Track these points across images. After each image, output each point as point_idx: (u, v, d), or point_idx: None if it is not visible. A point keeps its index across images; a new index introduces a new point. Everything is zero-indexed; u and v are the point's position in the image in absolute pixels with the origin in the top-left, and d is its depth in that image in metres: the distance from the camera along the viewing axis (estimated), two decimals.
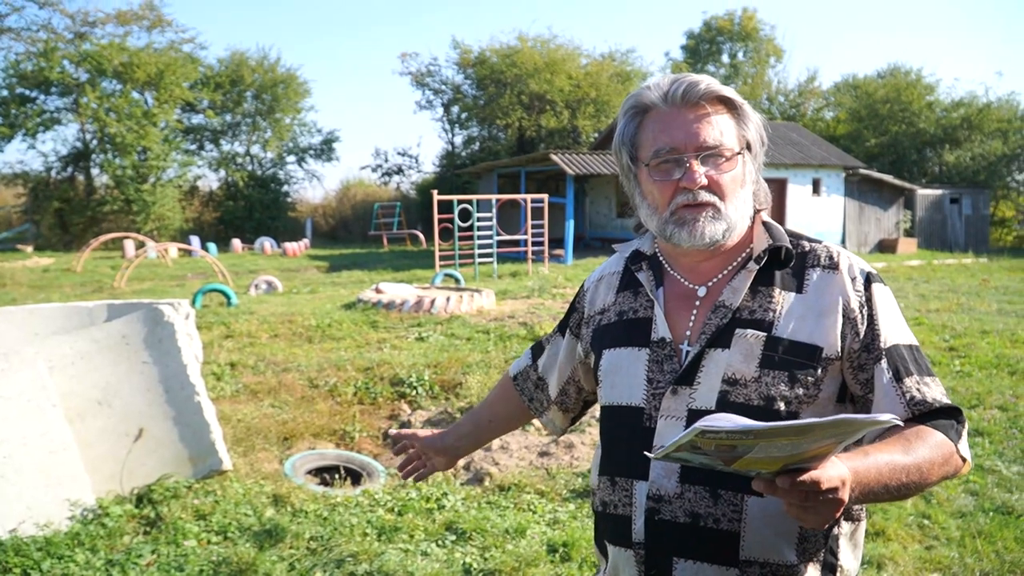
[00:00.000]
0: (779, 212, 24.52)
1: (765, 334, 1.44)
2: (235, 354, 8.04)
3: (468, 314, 10.43)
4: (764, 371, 1.42)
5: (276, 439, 5.64)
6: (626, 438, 1.51)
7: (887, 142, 34.78)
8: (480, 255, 18.06)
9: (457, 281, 14.59)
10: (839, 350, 1.44)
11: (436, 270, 16.48)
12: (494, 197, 18.14)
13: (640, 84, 1.52)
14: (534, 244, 19.34)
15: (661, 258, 1.62)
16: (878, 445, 1.36)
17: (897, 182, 26.81)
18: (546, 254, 18.99)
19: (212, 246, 26.16)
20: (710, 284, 1.54)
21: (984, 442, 5.61)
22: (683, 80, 1.45)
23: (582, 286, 1.78)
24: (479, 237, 17.82)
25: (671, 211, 1.47)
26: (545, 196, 18.58)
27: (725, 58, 44.59)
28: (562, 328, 1.82)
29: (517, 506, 4.62)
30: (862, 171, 25.94)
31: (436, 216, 16.91)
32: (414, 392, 6.74)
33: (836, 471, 1.17)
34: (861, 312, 1.46)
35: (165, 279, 18.07)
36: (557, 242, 23.78)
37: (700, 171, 1.44)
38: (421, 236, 29.94)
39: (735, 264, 1.54)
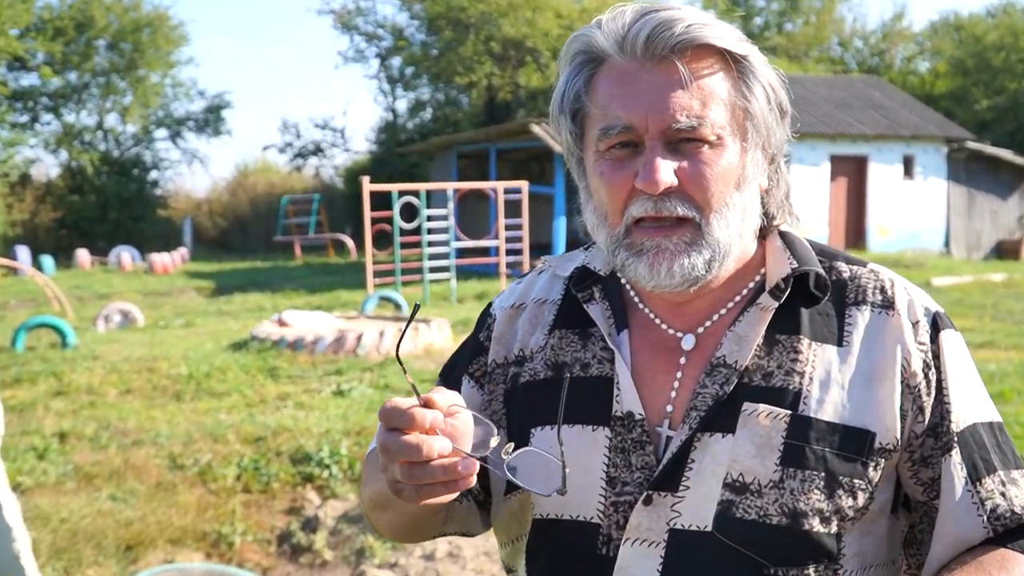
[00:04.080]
0: (858, 203, 24.65)
1: (789, 412, 1.35)
2: (67, 420, 7.96)
3: (411, 355, 10.39)
4: (788, 471, 1.33)
5: (116, 548, 5.52)
6: (569, 571, 1.41)
7: (1003, 104, 35.15)
8: (432, 269, 17.96)
9: (398, 307, 14.51)
10: (898, 436, 1.37)
11: (369, 291, 16.35)
12: (451, 186, 18.06)
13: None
14: (509, 252, 19.27)
15: (624, 282, 1.51)
16: None
17: (1020, 160, 27.10)
18: (526, 265, 18.93)
19: (48, 260, 25.90)
20: (700, 330, 1.44)
21: None
22: (649, 18, 1.32)
23: (486, 311, 1.64)
24: (430, 243, 17.73)
25: (625, 227, 1.36)
26: (524, 184, 18.52)
27: None
28: (454, 376, 1.60)
29: None
30: (971, 145, 26.19)
31: (367, 214, 16.77)
32: (325, 473, 6.65)
33: None
34: (927, 376, 1.39)
35: None
36: (543, 248, 23.76)
37: (666, 166, 1.31)
38: (350, 243, 29.83)
39: (739, 299, 1.45)
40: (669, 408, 1.40)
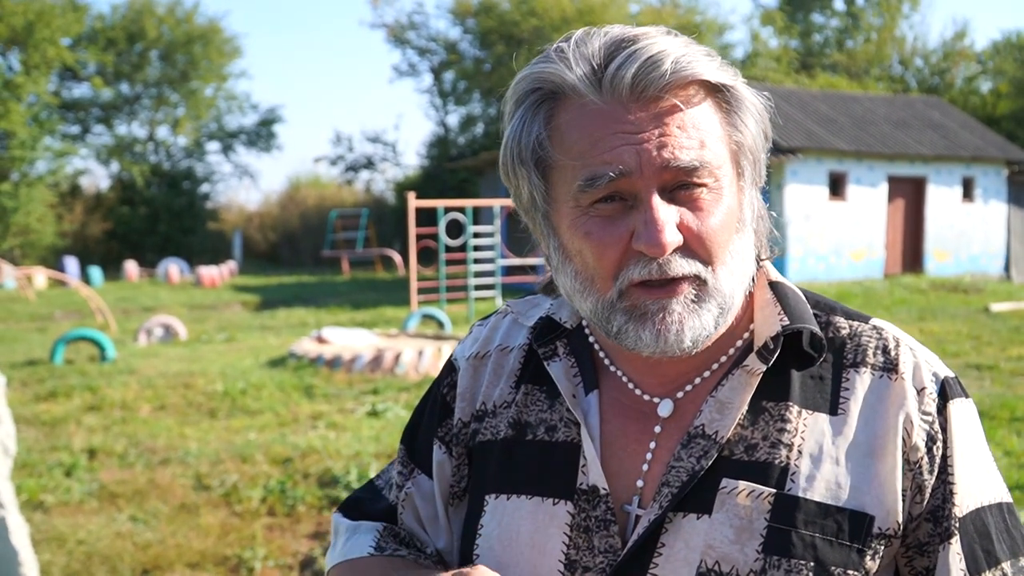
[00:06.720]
0: (915, 225, 24.30)
1: (773, 491, 1.20)
2: (98, 436, 7.97)
3: None
4: (771, 559, 1.18)
5: (131, 571, 5.43)
6: None
7: None
8: (477, 286, 17.89)
9: (441, 326, 14.43)
10: (900, 519, 1.22)
11: (413, 308, 16.31)
12: (498, 202, 17.94)
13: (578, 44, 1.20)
14: None
15: (592, 339, 1.36)
16: None
17: None
18: None
19: (96, 272, 26.18)
20: (680, 395, 1.28)
21: None
22: (631, 54, 1.14)
23: (449, 362, 1.51)
24: (476, 260, 17.67)
25: (620, 290, 1.19)
26: None
27: (839, 4, 44.77)
28: (421, 441, 1.48)
29: None
30: None
31: (412, 230, 16.75)
32: None
33: None
34: (930, 452, 1.23)
35: (23, 320, 18.14)
36: None
37: (670, 222, 1.15)
38: (397, 258, 29.90)
39: (725, 359, 1.29)
40: (640, 483, 1.25)
